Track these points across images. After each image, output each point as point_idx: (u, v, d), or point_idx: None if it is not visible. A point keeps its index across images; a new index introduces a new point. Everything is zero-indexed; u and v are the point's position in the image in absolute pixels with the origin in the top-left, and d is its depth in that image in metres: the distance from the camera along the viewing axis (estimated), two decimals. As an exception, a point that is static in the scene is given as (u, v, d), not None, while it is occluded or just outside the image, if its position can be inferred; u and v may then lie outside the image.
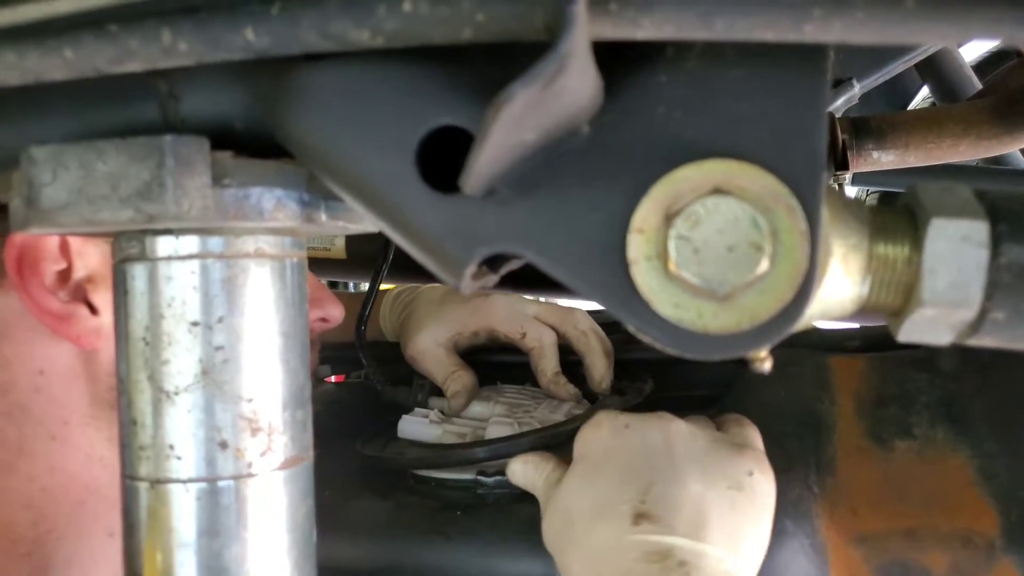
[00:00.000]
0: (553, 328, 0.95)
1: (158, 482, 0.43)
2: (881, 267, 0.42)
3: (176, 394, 0.43)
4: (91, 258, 0.62)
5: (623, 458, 0.65)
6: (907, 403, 0.76)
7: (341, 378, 1.13)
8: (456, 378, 0.92)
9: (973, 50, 0.99)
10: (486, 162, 0.32)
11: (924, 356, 0.78)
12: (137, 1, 0.31)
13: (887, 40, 0.32)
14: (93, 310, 0.62)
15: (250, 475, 0.44)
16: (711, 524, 0.59)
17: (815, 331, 0.92)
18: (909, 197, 0.43)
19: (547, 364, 0.92)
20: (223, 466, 0.43)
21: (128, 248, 0.43)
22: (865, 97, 0.84)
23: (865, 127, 0.78)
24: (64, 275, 0.62)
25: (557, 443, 0.78)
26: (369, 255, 1.10)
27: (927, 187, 0.42)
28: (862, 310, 0.44)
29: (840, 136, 0.76)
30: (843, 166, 0.82)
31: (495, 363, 0.98)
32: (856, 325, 1.08)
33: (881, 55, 0.82)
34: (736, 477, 0.63)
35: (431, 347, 0.95)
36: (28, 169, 0.39)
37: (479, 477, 0.81)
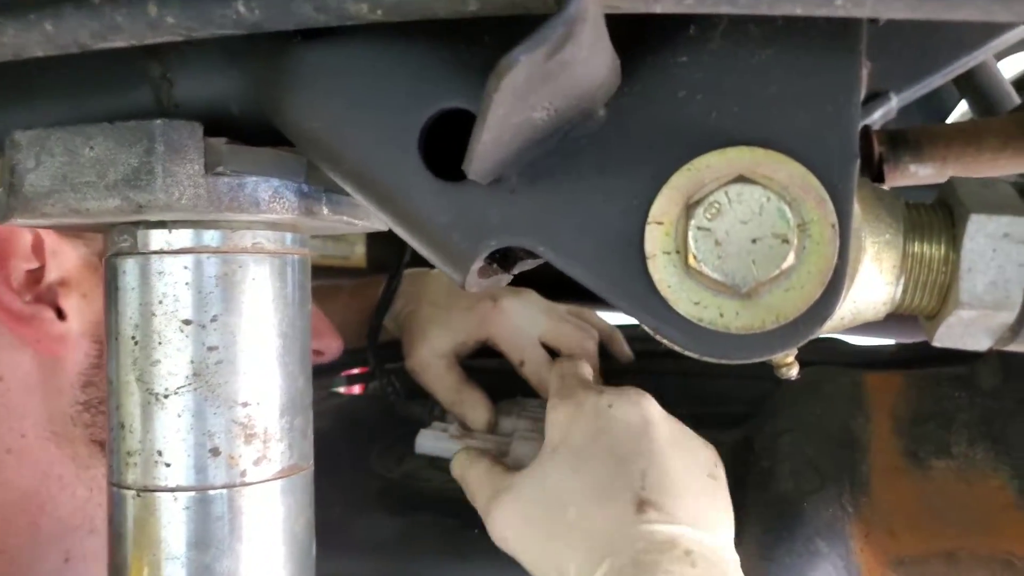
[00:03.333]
0: (563, 353, 0.87)
1: (145, 490, 0.40)
2: (916, 266, 0.39)
3: (166, 396, 0.40)
4: (66, 259, 0.58)
5: (611, 441, 0.64)
6: (945, 421, 0.72)
7: (363, 388, 1.08)
8: (468, 406, 0.85)
9: (1013, 65, 0.97)
10: (490, 141, 0.29)
11: (963, 373, 0.74)
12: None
13: (922, 14, 0.29)
14: (61, 315, 0.58)
15: (244, 484, 0.41)
16: (704, 512, 0.61)
17: (848, 347, 0.89)
18: (946, 192, 0.40)
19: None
20: (215, 474, 0.41)
21: (120, 241, 0.41)
22: (903, 111, 0.81)
23: (902, 139, 0.74)
24: (36, 276, 0.57)
25: None
26: (390, 265, 1.06)
27: (965, 181, 0.39)
28: (896, 312, 0.41)
29: (877, 148, 0.73)
30: (879, 179, 0.79)
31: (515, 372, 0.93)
32: (891, 341, 1.04)
33: (919, 68, 0.79)
34: (708, 466, 0.65)
35: (431, 360, 0.86)
36: (11, 154, 0.37)
37: None
